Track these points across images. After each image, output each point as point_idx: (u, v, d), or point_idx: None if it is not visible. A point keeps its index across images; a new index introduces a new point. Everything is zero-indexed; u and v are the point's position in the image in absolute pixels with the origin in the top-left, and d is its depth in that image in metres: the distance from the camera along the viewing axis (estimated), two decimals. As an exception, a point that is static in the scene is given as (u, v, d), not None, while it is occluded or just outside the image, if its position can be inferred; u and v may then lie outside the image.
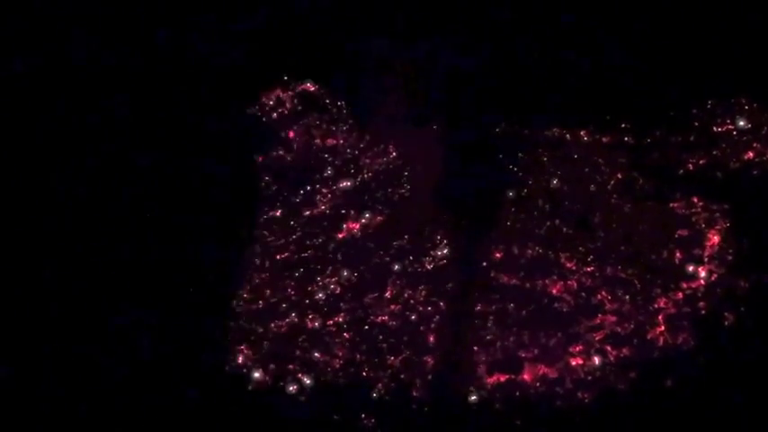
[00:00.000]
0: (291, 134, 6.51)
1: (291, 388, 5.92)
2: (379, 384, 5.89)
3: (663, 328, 5.89)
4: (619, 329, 5.91)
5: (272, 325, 6.09)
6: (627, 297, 5.97)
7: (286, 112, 6.56)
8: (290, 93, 6.58)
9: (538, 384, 5.84)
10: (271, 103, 6.54)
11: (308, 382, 5.92)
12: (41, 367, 6.00)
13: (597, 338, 5.89)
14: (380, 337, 5.99)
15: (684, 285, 5.97)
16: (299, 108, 6.58)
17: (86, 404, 5.92)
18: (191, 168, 6.39)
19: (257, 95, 6.52)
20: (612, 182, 6.21)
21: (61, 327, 6.09)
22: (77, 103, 6.56)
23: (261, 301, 6.15)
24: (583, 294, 6.01)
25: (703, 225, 6.08)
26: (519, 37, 6.44)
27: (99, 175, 6.43)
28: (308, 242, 6.28)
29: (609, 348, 5.88)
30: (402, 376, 5.89)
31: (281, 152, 6.47)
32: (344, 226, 6.29)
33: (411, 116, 6.43)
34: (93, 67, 6.60)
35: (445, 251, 6.13)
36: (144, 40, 6.65)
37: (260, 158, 6.45)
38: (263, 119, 6.55)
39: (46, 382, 5.97)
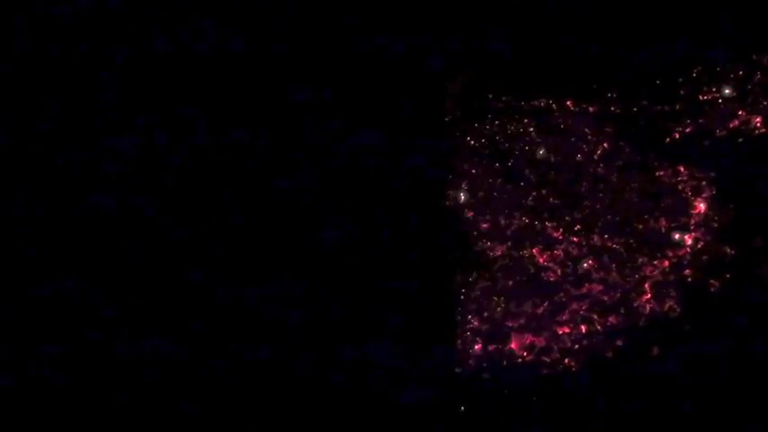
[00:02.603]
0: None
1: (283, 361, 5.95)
2: (366, 355, 5.91)
3: (649, 295, 5.92)
4: (605, 298, 5.94)
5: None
6: (613, 266, 6.00)
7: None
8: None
9: (525, 353, 5.87)
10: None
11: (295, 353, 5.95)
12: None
13: (584, 307, 5.92)
14: (366, 307, 6.01)
15: (671, 253, 5.99)
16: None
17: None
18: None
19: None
20: (599, 151, 6.21)
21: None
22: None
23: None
24: (569, 263, 6.03)
25: (689, 193, 6.10)
26: (504, 7, 6.40)
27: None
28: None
29: (595, 317, 5.91)
30: (389, 347, 5.91)
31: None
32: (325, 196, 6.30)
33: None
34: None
35: (430, 222, 6.14)
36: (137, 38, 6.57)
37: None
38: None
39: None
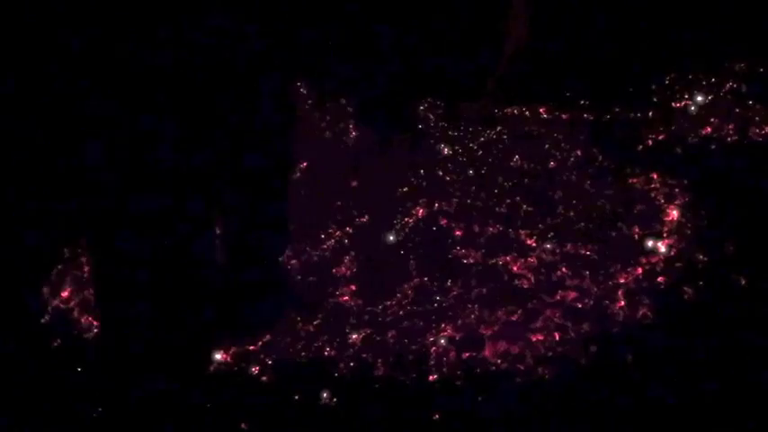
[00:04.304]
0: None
1: (253, 369, 5.92)
2: (341, 363, 5.89)
3: (623, 302, 5.92)
4: (579, 305, 5.93)
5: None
6: (587, 273, 6.00)
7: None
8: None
9: (499, 361, 5.86)
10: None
11: (270, 362, 5.92)
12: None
13: (557, 314, 5.92)
14: (341, 316, 5.99)
15: (644, 260, 6.00)
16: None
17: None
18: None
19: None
20: (572, 158, 6.21)
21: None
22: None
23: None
24: (543, 271, 6.03)
25: (662, 200, 6.11)
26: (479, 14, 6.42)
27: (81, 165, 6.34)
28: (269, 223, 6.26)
29: (569, 324, 5.90)
30: (363, 355, 5.89)
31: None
32: (305, 207, 6.28)
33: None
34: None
35: (406, 230, 6.13)
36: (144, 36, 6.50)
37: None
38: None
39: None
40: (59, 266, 6.21)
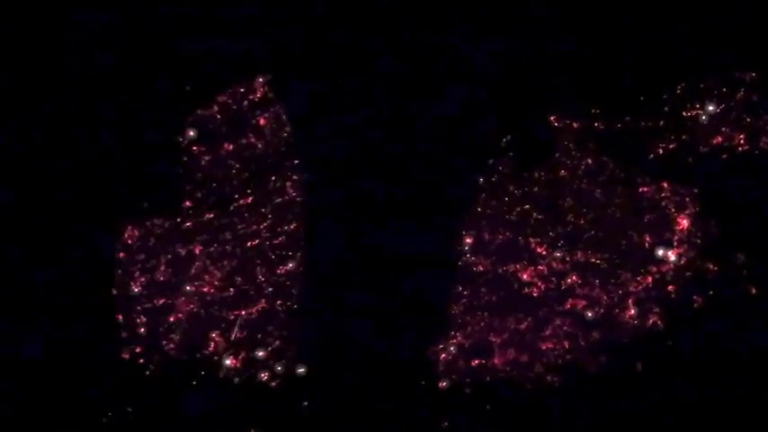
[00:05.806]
0: (262, 121, 6.50)
1: (262, 375, 5.93)
2: (349, 370, 5.90)
3: (633, 311, 5.91)
4: (589, 313, 5.93)
5: (243, 312, 6.10)
6: (597, 281, 5.99)
7: (257, 99, 6.55)
8: (260, 80, 6.56)
9: (508, 369, 5.86)
10: (241, 90, 6.52)
11: (279, 368, 5.94)
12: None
13: (567, 322, 5.92)
14: (350, 322, 6.00)
15: (654, 269, 5.99)
16: (270, 96, 6.57)
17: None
18: (159, 154, 6.35)
19: (227, 82, 6.49)
20: (582, 167, 6.22)
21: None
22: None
23: (232, 288, 6.15)
24: (553, 279, 6.03)
25: (673, 209, 6.11)
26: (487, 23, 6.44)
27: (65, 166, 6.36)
28: (278, 229, 6.27)
29: (579, 332, 5.90)
30: (372, 362, 5.90)
31: (251, 139, 6.46)
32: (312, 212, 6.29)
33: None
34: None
35: (415, 236, 6.14)
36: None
37: (230, 146, 6.43)
38: (234, 106, 6.53)
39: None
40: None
